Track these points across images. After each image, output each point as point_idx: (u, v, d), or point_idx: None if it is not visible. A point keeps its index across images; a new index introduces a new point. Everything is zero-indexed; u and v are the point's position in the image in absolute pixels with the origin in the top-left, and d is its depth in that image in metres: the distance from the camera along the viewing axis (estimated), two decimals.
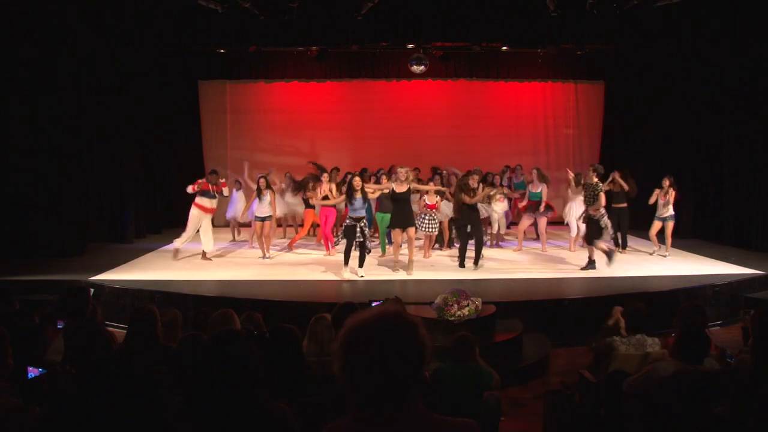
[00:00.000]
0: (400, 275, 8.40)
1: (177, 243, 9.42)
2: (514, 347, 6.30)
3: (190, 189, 9.29)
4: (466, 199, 8.55)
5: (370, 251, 8.45)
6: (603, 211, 8.35)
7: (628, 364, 4.10)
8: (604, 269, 8.44)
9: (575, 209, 9.93)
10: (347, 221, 8.22)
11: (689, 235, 11.52)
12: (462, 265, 8.75)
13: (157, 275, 8.36)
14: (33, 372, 2.95)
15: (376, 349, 1.44)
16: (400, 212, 8.46)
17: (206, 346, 2.27)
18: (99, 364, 2.22)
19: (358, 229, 8.03)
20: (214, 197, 9.38)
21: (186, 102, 13.63)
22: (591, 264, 8.56)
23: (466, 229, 8.67)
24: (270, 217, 9.63)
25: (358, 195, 8.13)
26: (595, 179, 8.47)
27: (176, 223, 12.92)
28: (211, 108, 14.02)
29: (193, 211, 9.27)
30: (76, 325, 3.92)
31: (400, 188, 8.37)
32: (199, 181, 9.41)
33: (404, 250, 8.76)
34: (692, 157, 11.72)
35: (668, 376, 3.28)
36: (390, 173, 10.40)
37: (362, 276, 8.27)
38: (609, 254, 8.34)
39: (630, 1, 8.90)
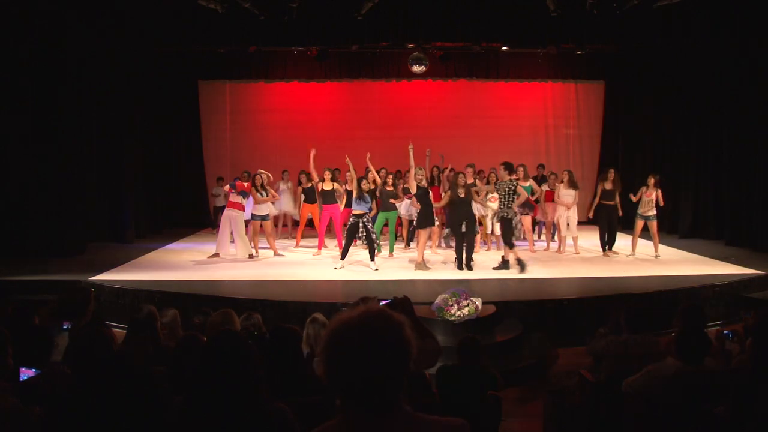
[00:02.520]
0: (404, 275, 8.41)
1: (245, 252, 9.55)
2: (514, 347, 6.30)
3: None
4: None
5: (379, 248, 8.60)
6: (516, 209, 8.43)
7: (628, 364, 4.10)
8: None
9: (562, 209, 9.93)
10: (351, 219, 8.59)
11: (689, 235, 11.53)
12: (461, 267, 8.60)
13: (157, 275, 8.36)
14: (26, 373, 2.95)
15: (359, 348, 1.43)
16: (425, 209, 8.55)
17: (206, 346, 2.27)
18: (99, 364, 2.22)
19: (360, 226, 8.46)
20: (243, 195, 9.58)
21: (186, 102, 13.65)
22: (504, 264, 8.54)
23: (461, 228, 8.44)
24: (267, 216, 9.73)
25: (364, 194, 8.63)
26: (507, 177, 8.48)
27: (176, 224, 12.98)
28: (211, 108, 14.03)
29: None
30: (78, 325, 3.92)
31: (422, 184, 8.61)
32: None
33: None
34: (692, 157, 11.72)
35: (668, 376, 3.28)
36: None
37: (376, 269, 8.52)
38: (522, 264, 8.36)
39: (630, 1, 8.91)
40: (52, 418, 2.26)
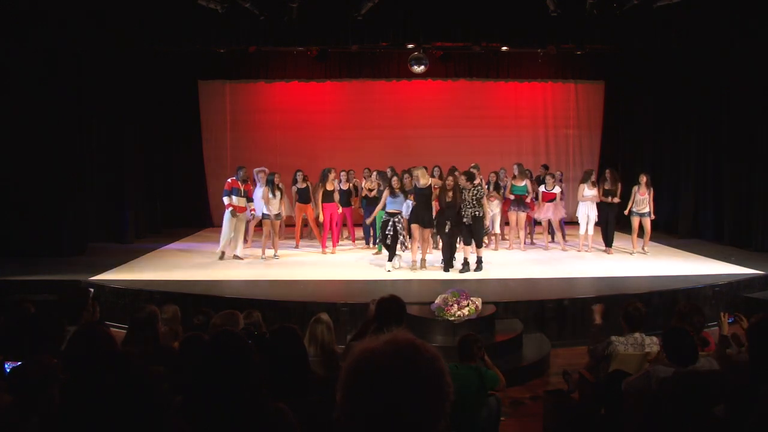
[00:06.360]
0: (403, 275, 8.41)
1: (221, 248, 9.49)
2: (514, 347, 6.30)
3: (226, 200, 9.33)
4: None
5: (405, 248, 8.75)
6: (487, 209, 8.56)
7: (628, 363, 4.11)
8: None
9: (584, 207, 10.04)
10: (384, 216, 8.72)
11: (689, 235, 11.53)
12: (447, 269, 8.57)
13: (157, 275, 8.37)
14: (10, 364, 2.96)
15: (385, 391, 1.22)
16: (422, 208, 8.54)
17: (204, 346, 2.27)
18: (98, 364, 2.22)
19: (390, 224, 8.54)
20: (243, 196, 9.44)
21: (186, 102, 13.64)
22: (480, 263, 8.57)
23: (445, 228, 8.44)
24: (279, 215, 9.77)
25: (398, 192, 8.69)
26: (470, 185, 8.42)
27: (176, 224, 12.98)
28: (211, 108, 14.02)
29: (227, 213, 9.35)
30: (76, 325, 3.92)
31: (422, 184, 8.54)
32: (228, 181, 9.48)
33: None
34: (692, 157, 11.72)
35: (668, 376, 3.28)
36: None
37: (389, 270, 8.55)
38: (480, 261, 8.52)
39: (630, 1, 8.90)
40: (51, 419, 2.26)
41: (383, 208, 8.84)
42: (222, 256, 9.48)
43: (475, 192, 8.40)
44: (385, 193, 8.82)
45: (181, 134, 13.65)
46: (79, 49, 9.66)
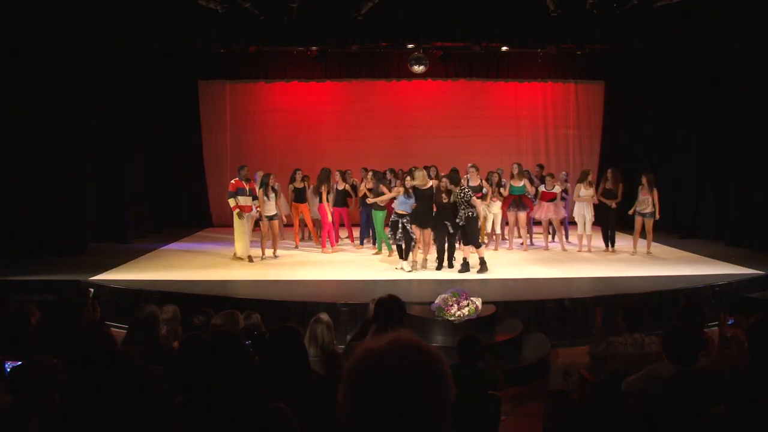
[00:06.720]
0: (402, 275, 8.42)
1: (241, 253, 9.37)
2: (514, 347, 6.30)
3: (231, 202, 9.21)
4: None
5: (413, 246, 8.73)
6: (477, 208, 8.54)
7: (628, 364, 4.10)
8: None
9: (580, 207, 10.07)
10: (392, 217, 8.76)
11: (689, 235, 11.53)
12: (440, 267, 8.68)
13: (157, 275, 8.37)
14: (10, 363, 2.96)
15: (387, 391, 1.22)
16: (422, 210, 8.56)
17: (200, 347, 2.27)
18: (98, 364, 2.22)
19: (400, 225, 8.58)
20: (248, 195, 9.34)
21: (186, 102, 13.64)
22: (484, 264, 8.55)
23: (449, 229, 8.47)
24: (276, 215, 9.76)
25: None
26: (457, 189, 8.38)
27: (176, 224, 12.98)
28: (211, 108, 14.03)
29: (235, 215, 9.24)
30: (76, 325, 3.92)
31: (422, 186, 8.56)
32: (232, 182, 9.37)
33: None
34: (692, 157, 11.73)
35: (668, 376, 3.28)
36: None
37: (406, 269, 8.57)
38: (484, 263, 8.52)
39: (630, 1, 8.90)
40: (51, 419, 2.26)
41: (389, 206, 8.88)
42: (251, 260, 9.37)
43: (462, 195, 8.39)
44: (399, 190, 8.87)
45: (181, 134, 13.65)
46: (79, 49, 9.66)
